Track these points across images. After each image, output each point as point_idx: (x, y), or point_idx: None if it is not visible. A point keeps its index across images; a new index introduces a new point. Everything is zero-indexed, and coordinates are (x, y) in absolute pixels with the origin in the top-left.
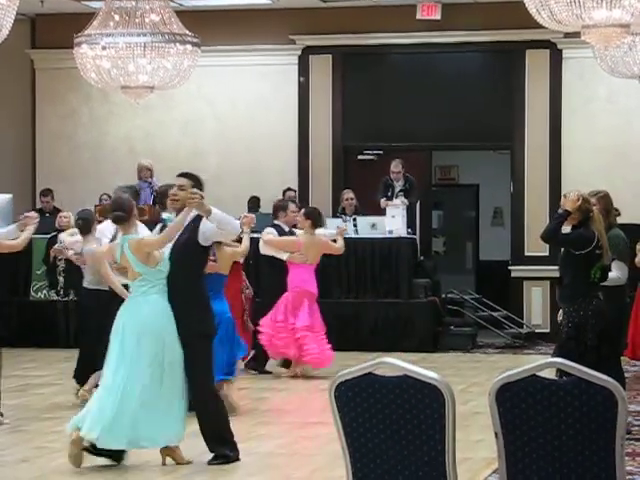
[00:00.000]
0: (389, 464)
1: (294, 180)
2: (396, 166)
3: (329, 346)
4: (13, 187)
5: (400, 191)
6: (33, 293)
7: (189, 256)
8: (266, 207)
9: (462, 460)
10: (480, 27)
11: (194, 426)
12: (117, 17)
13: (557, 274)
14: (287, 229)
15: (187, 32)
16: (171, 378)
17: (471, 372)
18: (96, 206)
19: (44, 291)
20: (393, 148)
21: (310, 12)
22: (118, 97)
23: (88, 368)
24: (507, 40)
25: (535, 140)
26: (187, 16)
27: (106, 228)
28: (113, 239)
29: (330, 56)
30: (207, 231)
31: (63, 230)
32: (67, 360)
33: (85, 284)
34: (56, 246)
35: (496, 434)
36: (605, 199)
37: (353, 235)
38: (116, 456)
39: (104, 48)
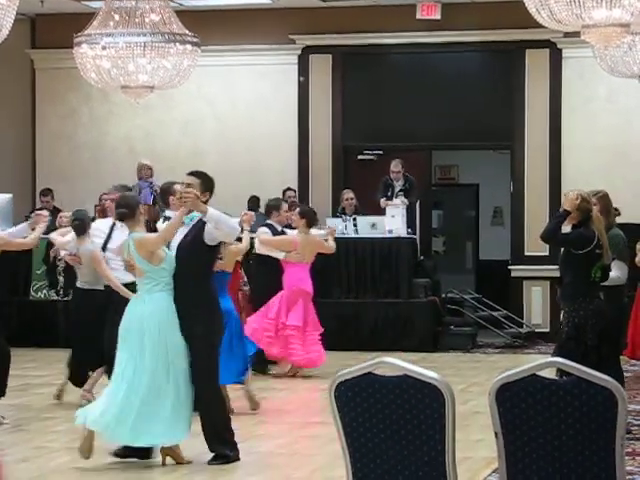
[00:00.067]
0: (389, 464)
1: (294, 180)
2: (396, 166)
3: (318, 347)
4: (13, 187)
5: (400, 191)
6: (33, 293)
7: (195, 256)
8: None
9: (462, 460)
10: (480, 27)
11: (194, 426)
12: (117, 17)
13: (557, 274)
14: (280, 228)
15: (187, 32)
16: (175, 377)
17: (471, 372)
18: (96, 206)
19: (44, 291)
20: (393, 148)
21: (310, 12)
22: (118, 97)
23: (83, 368)
24: (507, 40)
25: (535, 140)
26: (187, 16)
27: (100, 226)
28: (108, 238)
29: (330, 56)
30: (214, 231)
31: None
32: None
33: (79, 284)
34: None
35: (496, 434)
36: (605, 199)
37: (353, 235)
38: (144, 454)
39: (104, 48)
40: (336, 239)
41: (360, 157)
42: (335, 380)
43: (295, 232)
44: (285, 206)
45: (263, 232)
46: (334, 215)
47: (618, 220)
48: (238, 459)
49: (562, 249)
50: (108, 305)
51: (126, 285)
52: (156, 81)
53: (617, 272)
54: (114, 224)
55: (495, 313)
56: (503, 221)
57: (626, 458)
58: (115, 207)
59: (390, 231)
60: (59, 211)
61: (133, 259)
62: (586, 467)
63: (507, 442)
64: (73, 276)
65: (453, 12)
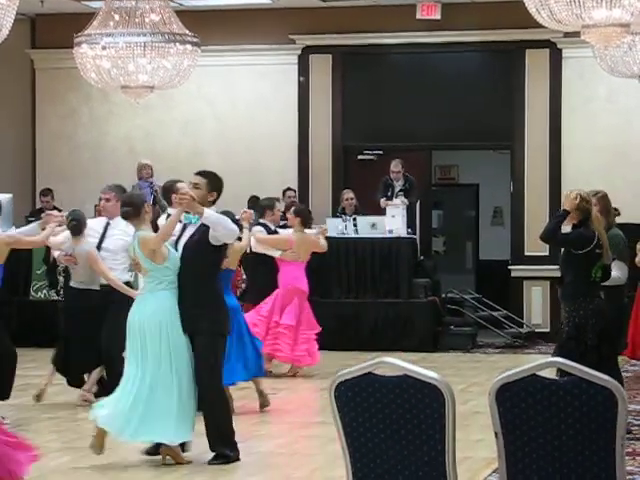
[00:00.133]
0: (389, 464)
1: (294, 180)
2: (396, 166)
3: (309, 346)
4: (13, 187)
5: (400, 191)
6: (33, 293)
7: (200, 256)
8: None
9: (462, 460)
10: (480, 27)
11: (196, 426)
12: (117, 17)
13: (557, 274)
14: (273, 228)
15: (187, 32)
16: (178, 376)
17: (471, 372)
18: (96, 206)
19: (44, 291)
20: (393, 148)
21: (310, 12)
22: (118, 97)
23: (80, 369)
24: (507, 40)
25: (535, 140)
26: (187, 16)
27: (94, 226)
28: (102, 237)
29: (330, 56)
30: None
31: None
32: None
33: (74, 284)
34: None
35: (496, 434)
36: (604, 199)
37: (353, 235)
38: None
39: (104, 48)
40: (336, 239)
41: (360, 157)
42: (335, 380)
43: (290, 231)
44: (279, 205)
45: (258, 231)
46: (334, 215)
47: (618, 220)
48: (238, 459)
49: (562, 249)
50: (106, 305)
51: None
52: (156, 81)
53: (617, 272)
54: (108, 223)
55: (495, 313)
56: (503, 221)
57: (626, 458)
58: (120, 206)
59: (390, 231)
60: (59, 211)
61: (138, 257)
62: (586, 467)
63: (507, 442)
64: None
65: (453, 12)
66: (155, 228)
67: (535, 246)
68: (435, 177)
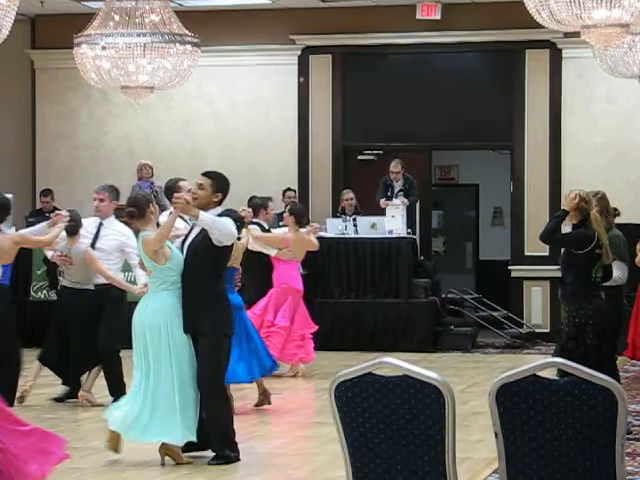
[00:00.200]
0: (389, 464)
1: (294, 180)
2: (395, 166)
3: (300, 344)
4: (13, 187)
5: (400, 191)
6: (33, 293)
7: (204, 256)
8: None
9: (462, 460)
10: (480, 27)
11: None
12: (117, 17)
13: (557, 274)
14: (267, 227)
15: (187, 32)
16: (179, 376)
17: (471, 372)
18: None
19: (44, 291)
20: (393, 148)
21: (310, 12)
22: (118, 97)
23: (77, 369)
24: (507, 40)
25: (535, 140)
26: (187, 16)
27: (87, 226)
28: (95, 237)
29: (330, 56)
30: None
31: None
32: None
33: (68, 284)
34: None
35: (496, 434)
36: (603, 200)
37: (353, 235)
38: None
39: (104, 48)
40: (336, 239)
41: (360, 157)
42: (335, 380)
43: (286, 230)
44: (272, 205)
45: (254, 229)
46: (334, 215)
47: (618, 220)
48: (238, 460)
49: (563, 249)
50: (102, 304)
51: (113, 285)
52: (156, 81)
53: (617, 272)
54: (101, 223)
55: (495, 313)
56: (503, 221)
57: (626, 458)
58: (126, 206)
59: (390, 231)
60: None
61: (142, 258)
62: (586, 467)
63: (507, 442)
64: None
65: (453, 12)
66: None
67: (535, 246)
68: (435, 177)
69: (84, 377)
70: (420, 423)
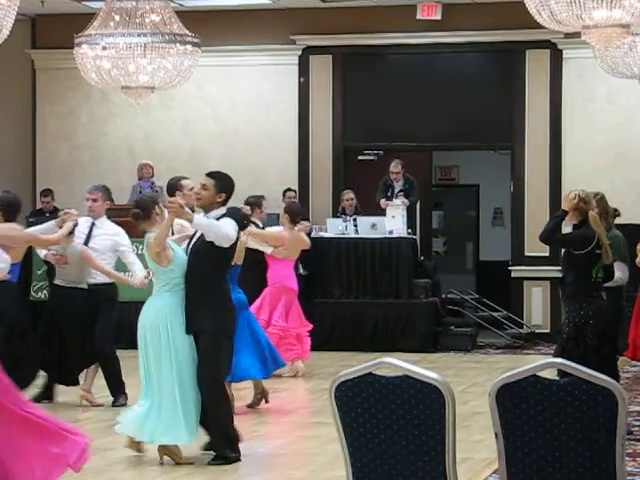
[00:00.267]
0: (389, 464)
1: (294, 180)
2: (395, 166)
3: (290, 341)
4: (13, 187)
5: (400, 191)
6: (33, 293)
7: (205, 257)
8: (267, 207)
9: (462, 460)
10: (480, 27)
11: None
12: (117, 17)
13: (557, 274)
14: (261, 225)
15: (187, 32)
16: (180, 377)
17: (471, 372)
18: None
19: (44, 291)
20: (393, 148)
21: (310, 12)
22: (118, 97)
23: (74, 368)
24: (507, 40)
25: (535, 140)
26: (187, 16)
27: (80, 224)
28: (88, 237)
29: (330, 56)
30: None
31: None
32: None
33: (61, 283)
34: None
35: (496, 434)
36: (603, 201)
37: (353, 235)
38: None
39: (104, 48)
40: (337, 239)
41: (360, 157)
42: (336, 380)
43: (281, 228)
44: (265, 204)
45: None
46: (334, 215)
47: (619, 221)
48: (239, 460)
49: (563, 250)
50: (96, 302)
51: (106, 285)
52: (157, 82)
53: (618, 273)
54: (93, 223)
55: (495, 314)
56: (503, 222)
57: (627, 459)
58: (133, 207)
59: (390, 231)
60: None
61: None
62: (586, 468)
63: (507, 443)
64: None
65: (453, 12)
66: None
67: (535, 247)
68: (435, 178)
69: (81, 377)
70: (420, 423)
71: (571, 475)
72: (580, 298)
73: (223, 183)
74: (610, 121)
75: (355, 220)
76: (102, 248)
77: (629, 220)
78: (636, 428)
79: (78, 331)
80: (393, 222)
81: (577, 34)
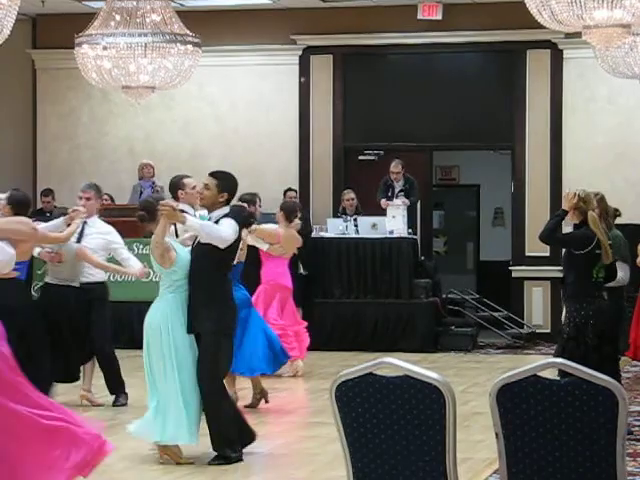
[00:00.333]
0: (390, 464)
1: (295, 180)
2: (396, 166)
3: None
4: (14, 187)
5: (400, 191)
6: (34, 293)
7: (205, 257)
8: (267, 207)
9: (463, 460)
10: (481, 27)
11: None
12: (118, 17)
13: (558, 274)
14: (256, 222)
15: (188, 32)
16: (181, 377)
17: (472, 372)
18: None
19: None
20: (394, 148)
21: (311, 12)
22: (119, 97)
23: (77, 363)
24: (508, 40)
25: (536, 140)
26: (188, 16)
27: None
28: (80, 236)
29: (331, 56)
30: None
31: None
32: None
33: (53, 281)
34: None
35: (497, 434)
36: (603, 201)
37: (354, 235)
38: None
39: (105, 48)
40: (337, 239)
41: (361, 157)
42: (336, 380)
43: (276, 226)
44: (259, 201)
45: None
46: (335, 215)
47: (619, 221)
48: (240, 460)
49: (564, 250)
50: (89, 301)
51: (97, 284)
52: (157, 81)
53: (620, 273)
54: (85, 222)
55: (496, 314)
56: (504, 222)
57: (627, 459)
58: (138, 209)
59: (391, 231)
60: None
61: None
62: (587, 468)
63: (508, 443)
64: None
65: (454, 12)
66: None
67: (536, 247)
68: (436, 178)
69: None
70: (421, 423)
71: (571, 475)
72: (580, 298)
73: (225, 183)
74: (610, 121)
75: (356, 220)
76: (95, 247)
77: (629, 220)
78: (636, 428)
79: (73, 328)
80: (394, 222)
81: (578, 34)
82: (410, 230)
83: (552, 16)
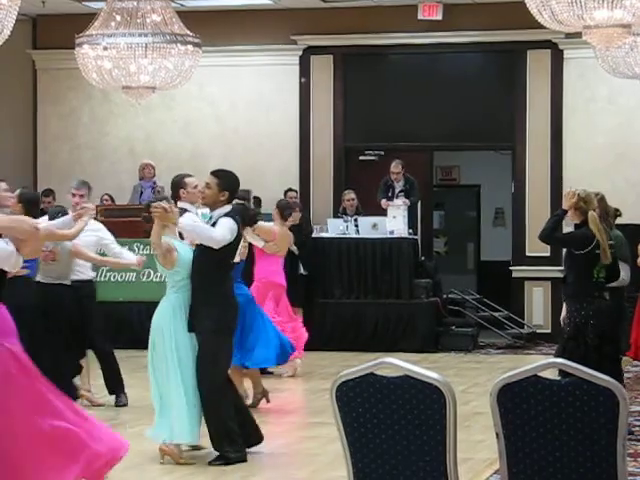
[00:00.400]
0: (390, 464)
1: (295, 180)
2: (396, 167)
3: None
4: (14, 187)
5: (400, 191)
6: None
7: (205, 256)
8: (267, 207)
9: (463, 460)
10: (481, 27)
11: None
12: (118, 17)
13: (558, 274)
14: None
15: (188, 32)
16: (184, 377)
17: (472, 372)
18: (97, 206)
19: None
20: (394, 148)
21: (311, 12)
22: (119, 97)
23: (74, 362)
24: (508, 40)
25: (536, 140)
26: (188, 16)
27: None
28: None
29: (331, 56)
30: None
31: None
32: None
33: (44, 280)
34: None
35: (497, 434)
36: (603, 202)
37: (354, 235)
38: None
39: (105, 48)
40: (337, 239)
41: (361, 158)
42: (337, 380)
43: (272, 224)
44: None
45: None
46: (335, 215)
47: (620, 221)
48: (241, 460)
49: (565, 249)
50: (79, 299)
51: (87, 282)
52: (157, 82)
53: (622, 273)
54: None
55: (496, 314)
56: (505, 222)
57: (628, 459)
58: (143, 210)
59: (391, 232)
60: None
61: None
62: (587, 468)
63: (508, 443)
64: None
65: (454, 13)
66: None
67: (536, 247)
68: (436, 178)
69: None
70: (421, 423)
71: (572, 475)
72: (581, 298)
73: (226, 181)
74: (611, 121)
75: (356, 220)
76: (86, 244)
77: (630, 220)
78: (637, 428)
79: (73, 327)
80: (394, 222)
81: (578, 34)
82: (410, 230)
83: (552, 16)
